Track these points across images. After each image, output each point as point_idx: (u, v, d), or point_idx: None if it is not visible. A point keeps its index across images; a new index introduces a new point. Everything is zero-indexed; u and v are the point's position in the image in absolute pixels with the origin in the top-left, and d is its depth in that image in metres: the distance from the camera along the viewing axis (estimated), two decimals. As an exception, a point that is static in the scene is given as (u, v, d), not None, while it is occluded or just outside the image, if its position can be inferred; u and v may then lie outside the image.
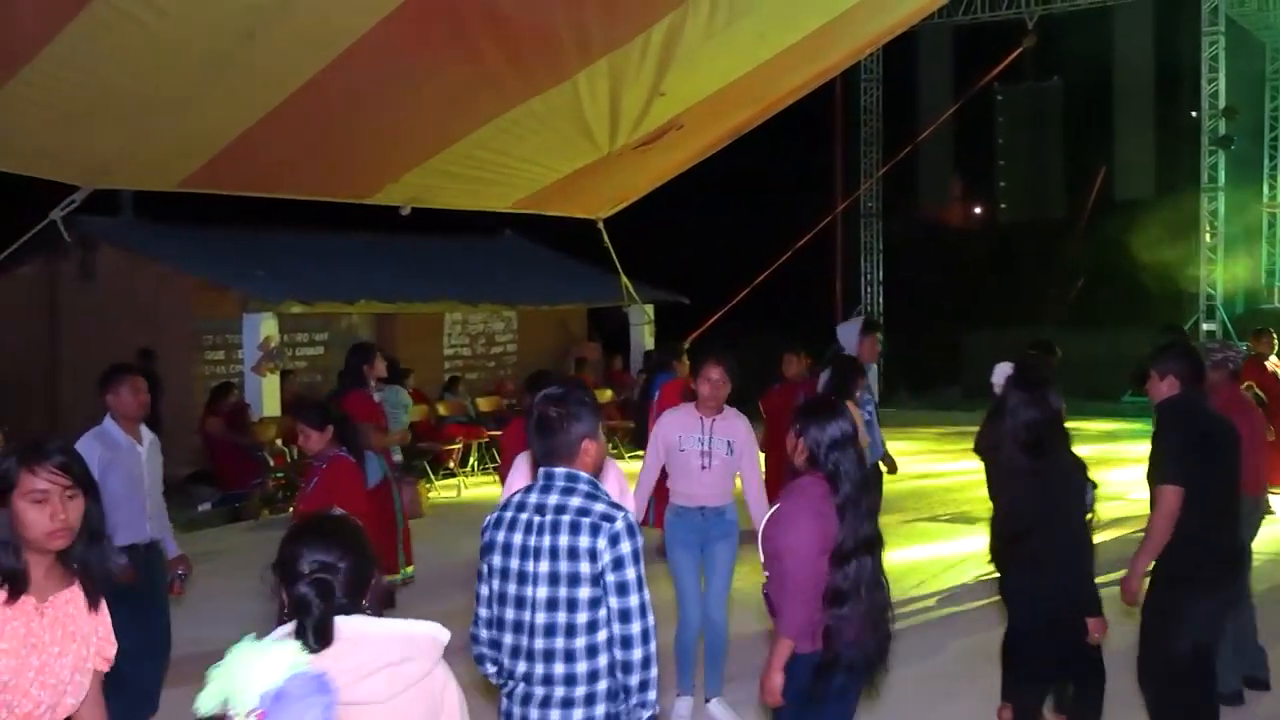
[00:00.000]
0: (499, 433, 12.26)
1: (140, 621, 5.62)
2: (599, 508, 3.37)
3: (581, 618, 3.33)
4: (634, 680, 3.35)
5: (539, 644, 3.35)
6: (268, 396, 14.55)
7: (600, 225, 16.55)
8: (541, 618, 3.34)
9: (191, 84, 9.53)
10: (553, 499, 3.40)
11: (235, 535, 11.72)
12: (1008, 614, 5.30)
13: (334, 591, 2.65)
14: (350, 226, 17.80)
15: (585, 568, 3.32)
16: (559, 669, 3.35)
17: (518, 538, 3.40)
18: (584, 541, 3.32)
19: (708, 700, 6.23)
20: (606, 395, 17.57)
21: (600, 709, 3.37)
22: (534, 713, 3.37)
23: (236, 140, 10.64)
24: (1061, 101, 22.27)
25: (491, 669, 3.50)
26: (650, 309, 19.36)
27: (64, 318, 16.06)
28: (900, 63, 22.80)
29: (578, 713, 3.35)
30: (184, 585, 6.05)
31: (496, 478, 12.34)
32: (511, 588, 3.39)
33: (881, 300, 24.15)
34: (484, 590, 3.47)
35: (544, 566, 3.34)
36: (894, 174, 22.66)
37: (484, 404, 16.88)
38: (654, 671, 3.37)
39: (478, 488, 13.98)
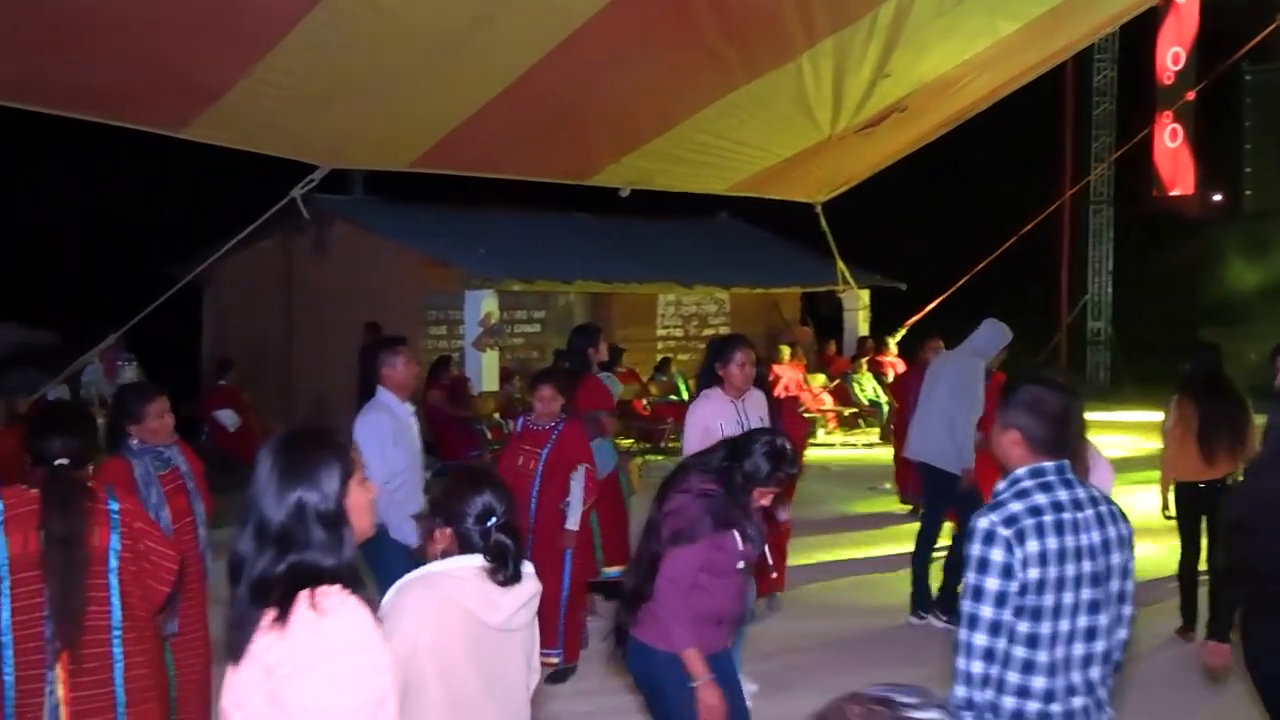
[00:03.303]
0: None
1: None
2: (1097, 491, 3.22)
3: (1126, 609, 3.18)
4: (1123, 658, 3.21)
5: (1078, 650, 3.07)
6: (487, 371, 14.94)
7: (818, 209, 16.31)
8: (1084, 621, 3.07)
9: (424, 67, 9.78)
10: (1081, 492, 3.15)
11: (453, 506, 12.01)
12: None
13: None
14: (567, 207, 18.07)
15: (1124, 557, 3.17)
16: (1095, 671, 3.11)
17: (1068, 541, 3.07)
18: (1124, 530, 3.18)
19: None
20: (819, 380, 17.38)
21: (1105, 693, 3.18)
22: None
23: (465, 122, 10.88)
24: (1317, 82, 20.80)
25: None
26: (865, 294, 19.04)
27: (298, 291, 16.84)
28: (1138, 40, 21.69)
29: (1107, 713, 3.16)
30: None
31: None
32: (1065, 598, 3.07)
33: (1110, 290, 23.12)
34: (1000, 616, 3.02)
35: (1087, 566, 3.07)
36: (1128, 158, 21.59)
37: (695, 386, 16.89)
38: None
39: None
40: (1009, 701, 3.03)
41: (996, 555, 3.00)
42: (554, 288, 16.40)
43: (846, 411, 17.00)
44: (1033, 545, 2.99)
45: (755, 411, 6.27)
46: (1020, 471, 3.13)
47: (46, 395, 10.56)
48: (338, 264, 16.13)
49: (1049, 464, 3.12)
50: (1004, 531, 3.01)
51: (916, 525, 10.45)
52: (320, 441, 2.60)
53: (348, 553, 2.52)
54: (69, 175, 22.64)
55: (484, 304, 14.91)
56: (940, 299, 16.94)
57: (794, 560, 8.52)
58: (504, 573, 3.07)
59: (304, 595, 2.42)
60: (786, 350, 17.22)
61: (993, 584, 2.99)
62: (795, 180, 15.08)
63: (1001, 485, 3.16)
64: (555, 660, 6.71)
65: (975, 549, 3.03)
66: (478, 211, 17.29)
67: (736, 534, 4.17)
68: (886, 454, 12.74)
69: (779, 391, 16.61)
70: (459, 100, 10.62)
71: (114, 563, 3.98)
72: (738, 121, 12.29)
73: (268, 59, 9.09)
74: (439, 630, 2.99)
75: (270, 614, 2.42)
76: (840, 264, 17.51)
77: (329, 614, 2.41)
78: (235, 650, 2.46)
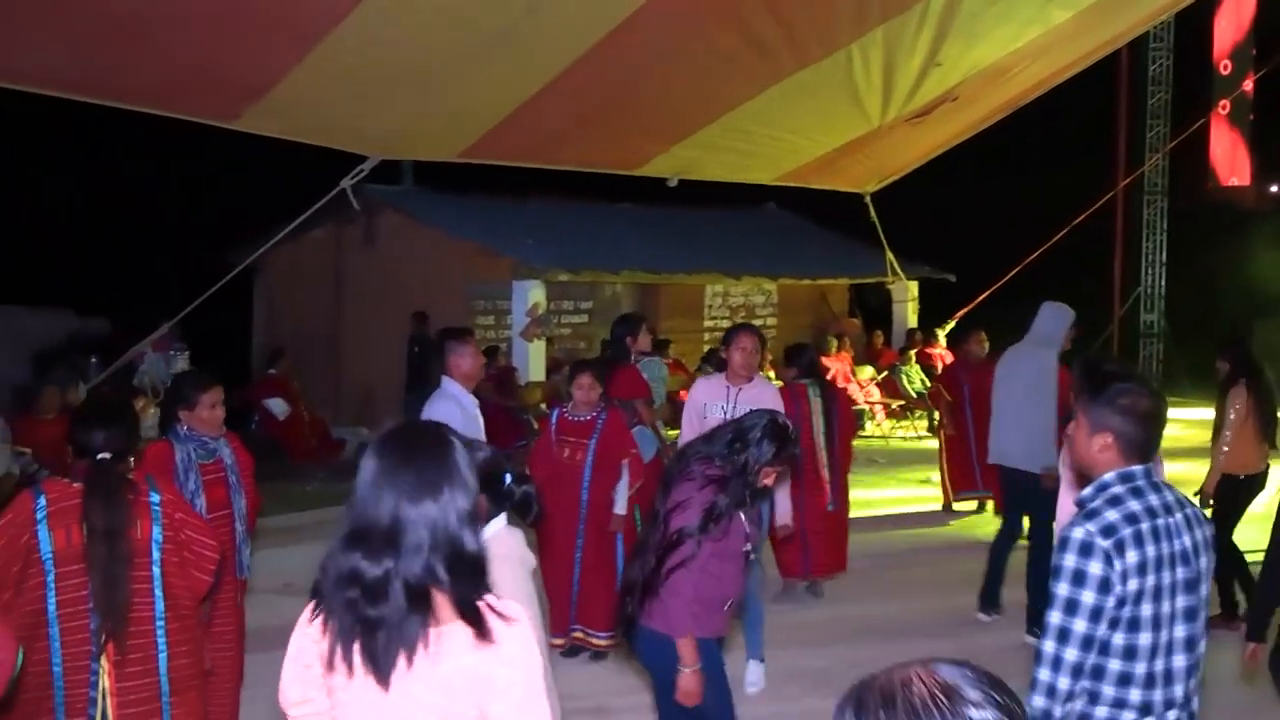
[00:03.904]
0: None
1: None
2: (1179, 494, 3.07)
3: (1205, 613, 3.05)
4: (1202, 665, 3.08)
5: (1179, 661, 2.95)
6: (534, 361, 14.98)
7: (867, 200, 16.20)
8: (1181, 631, 2.95)
9: (476, 58, 9.78)
10: (1169, 495, 3.02)
11: (500, 495, 12.05)
12: None
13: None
14: (615, 197, 18.06)
15: (1208, 560, 3.04)
16: (1192, 683, 3.00)
17: (1164, 549, 2.94)
18: (1208, 532, 3.05)
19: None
20: (867, 372, 17.28)
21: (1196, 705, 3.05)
22: None
23: (514, 112, 10.89)
24: (1379, 70, 20.33)
25: None
26: (914, 286, 18.90)
27: (347, 281, 16.96)
28: (1194, 28, 21.33)
29: None
30: None
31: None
32: (1163, 608, 2.94)
33: (1164, 282, 22.80)
34: (1095, 630, 2.88)
35: (1180, 573, 2.94)
36: (1183, 148, 21.27)
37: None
38: None
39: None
40: (1102, 712, 2.91)
41: (1095, 568, 2.85)
42: (601, 278, 16.40)
43: (895, 403, 16.89)
44: (1132, 556, 2.86)
45: (748, 402, 6.12)
46: (1109, 476, 2.99)
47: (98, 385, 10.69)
48: (387, 254, 16.23)
49: (1138, 468, 2.99)
50: (1102, 543, 2.86)
51: (964, 516, 10.40)
52: (449, 436, 2.50)
53: (482, 545, 2.45)
54: (122, 166, 22.92)
55: (531, 294, 14.94)
56: (990, 291, 16.80)
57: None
58: (533, 514, 3.41)
59: (485, 606, 2.35)
60: (834, 342, 17.15)
61: (1089, 597, 2.85)
62: (844, 170, 14.98)
63: (1088, 491, 3.01)
64: (608, 642, 6.76)
65: (1070, 560, 2.87)
66: (526, 202, 17.33)
67: (744, 518, 4.19)
68: (934, 446, 12.65)
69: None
70: (508, 91, 10.62)
71: (156, 554, 4.04)
72: (786, 111, 12.22)
73: (319, 50, 9.13)
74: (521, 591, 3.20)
75: (464, 629, 2.32)
76: (889, 255, 17.38)
77: (514, 622, 2.37)
78: (385, 659, 2.30)
